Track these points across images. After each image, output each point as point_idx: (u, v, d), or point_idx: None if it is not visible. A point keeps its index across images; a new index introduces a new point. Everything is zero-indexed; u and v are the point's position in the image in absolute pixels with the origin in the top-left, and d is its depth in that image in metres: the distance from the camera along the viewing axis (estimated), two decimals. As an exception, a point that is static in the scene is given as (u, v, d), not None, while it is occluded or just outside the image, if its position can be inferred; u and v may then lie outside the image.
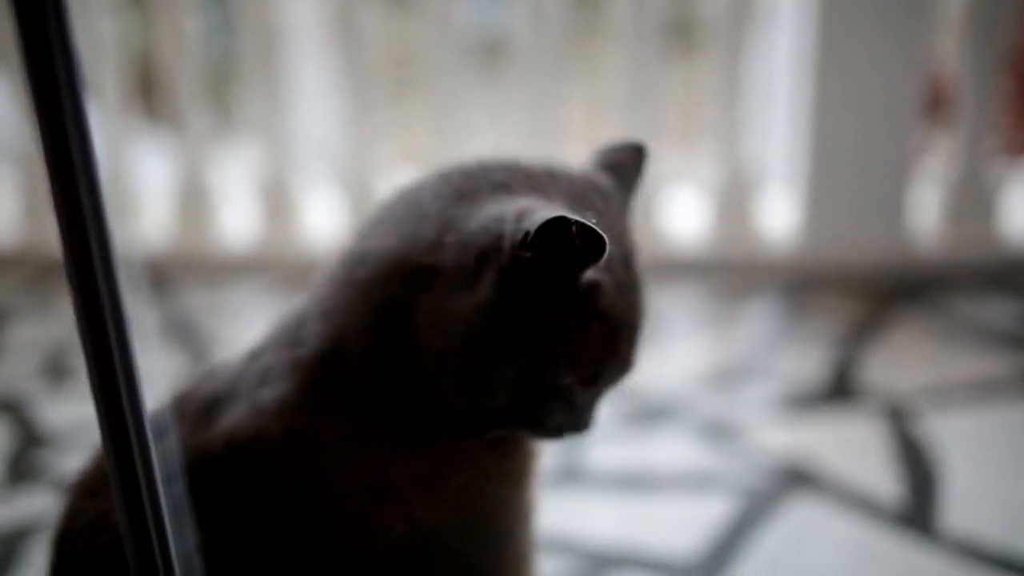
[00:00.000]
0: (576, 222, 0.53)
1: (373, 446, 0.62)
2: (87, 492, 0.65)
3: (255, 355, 0.67)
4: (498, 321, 0.57)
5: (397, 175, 2.20)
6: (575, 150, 2.15)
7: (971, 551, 1.13)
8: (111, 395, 0.44)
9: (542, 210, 0.55)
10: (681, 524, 1.18)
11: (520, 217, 0.56)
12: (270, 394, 0.63)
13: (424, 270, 0.59)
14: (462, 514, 0.65)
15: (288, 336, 0.66)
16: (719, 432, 1.40)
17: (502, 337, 0.57)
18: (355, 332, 0.62)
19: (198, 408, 0.65)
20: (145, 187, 2.26)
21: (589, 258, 0.55)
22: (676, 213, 2.10)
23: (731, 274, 2.00)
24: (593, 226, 0.53)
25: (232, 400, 0.64)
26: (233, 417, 0.63)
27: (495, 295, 0.56)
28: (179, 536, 0.47)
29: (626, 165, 0.71)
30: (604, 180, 0.68)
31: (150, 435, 0.45)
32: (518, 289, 0.56)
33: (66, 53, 0.39)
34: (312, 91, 2.68)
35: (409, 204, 0.64)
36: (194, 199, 2.18)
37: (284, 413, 0.62)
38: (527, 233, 0.54)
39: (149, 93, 2.53)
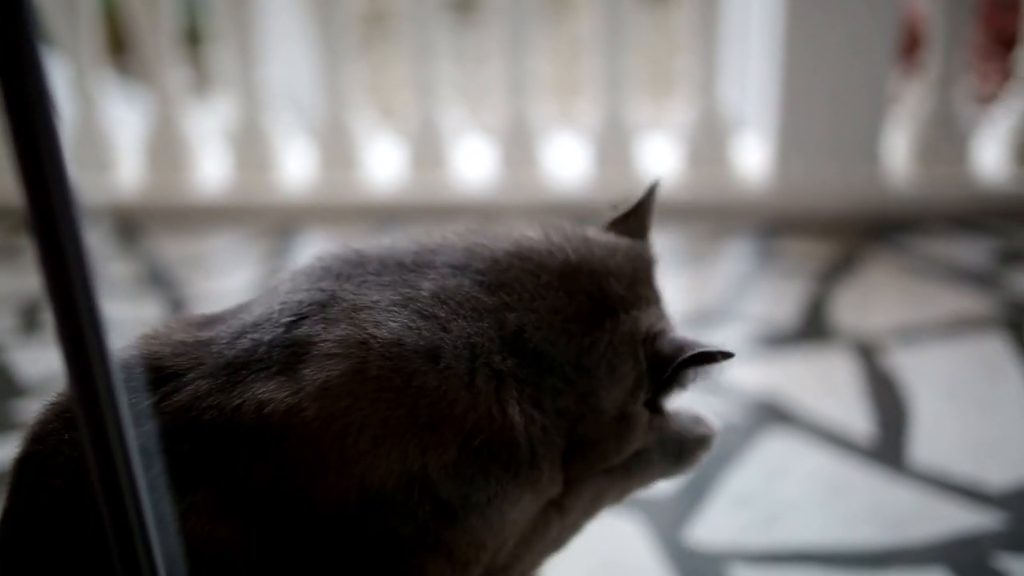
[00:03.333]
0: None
1: (423, 437, 0.62)
2: (56, 416, 0.64)
3: (292, 319, 0.65)
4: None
5: (370, 126, 2.19)
6: (547, 99, 2.15)
7: (939, 482, 1.16)
8: (76, 343, 0.44)
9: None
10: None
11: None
12: (316, 374, 0.61)
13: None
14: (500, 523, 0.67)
15: (342, 312, 0.65)
16: (693, 372, 1.42)
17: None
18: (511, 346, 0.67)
19: (218, 365, 0.63)
20: (120, 140, 2.24)
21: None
22: (650, 157, 2.10)
23: (705, 217, 2.01)
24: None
25: (263, 367, 0.62)
26: (267, 389, 0.61)
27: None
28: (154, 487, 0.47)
29: (647, 212, 0.83)
30: (639, 246, 0.78)
31: (118, 383, 0.45)
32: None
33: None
34: (285, 41, 2.64)
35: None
36: (167, 149, 2.16)
37: (326, 395, 0.61)
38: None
39: (123, 51, 2.50)
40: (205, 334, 0.66)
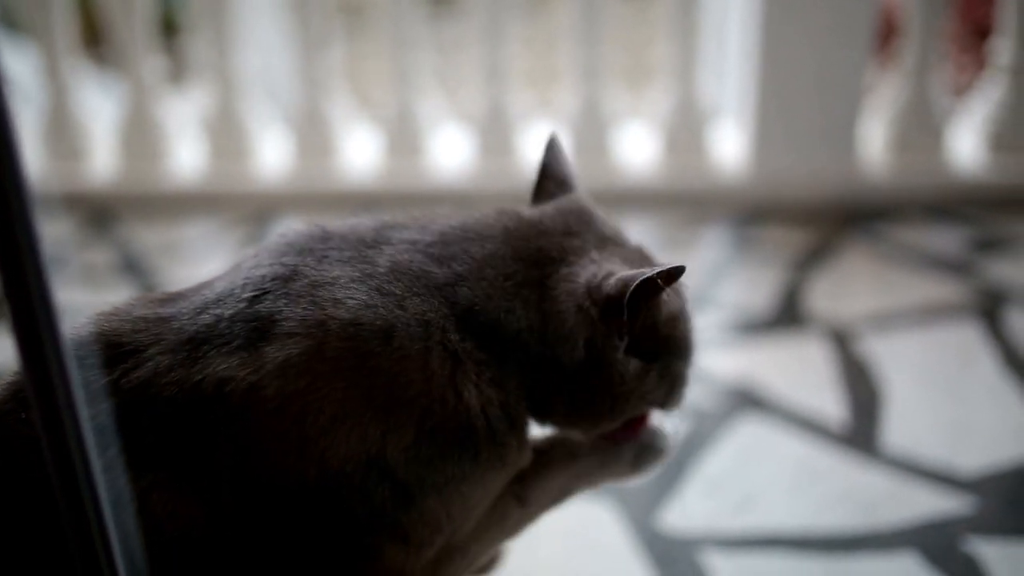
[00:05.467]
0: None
1: (382, 419, 0.62)
2: (12, 396, 0.62)
3: (254, 294, 0.65)
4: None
5: (347, 113, 2.17)
6: (524, 88, 2.14)
7: (911, 467, 1.16)
8: (28, 324, 0.43)
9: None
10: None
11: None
12: (276, 352, 0.61)
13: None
14: (453, 488, 0.67)
15: (304, 287, 0.64)
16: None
17: None
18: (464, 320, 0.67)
19: (180, 340, 0.63)
20: (94, 128, 2.21)
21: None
22: (628, 146, 2.10)
23: (682, 205, 2.01)
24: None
25: (224, 343, 0.62)
26: (228, 366, 0.61)
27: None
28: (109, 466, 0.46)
29: (559, 167, 0.82)
30: (565, 200, 0.79)
31: (71, 364, 0.44)
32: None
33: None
34: (261, 28, 2.62)
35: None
36: (141, 137, 2.14)
37: (286, 372, 0.61)
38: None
39: (100, 43, 2.48)
40: (166, 310, 0.66)
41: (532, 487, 0.76)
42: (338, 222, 0.73)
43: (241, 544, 0.62)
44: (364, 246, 0.69)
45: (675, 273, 0.69)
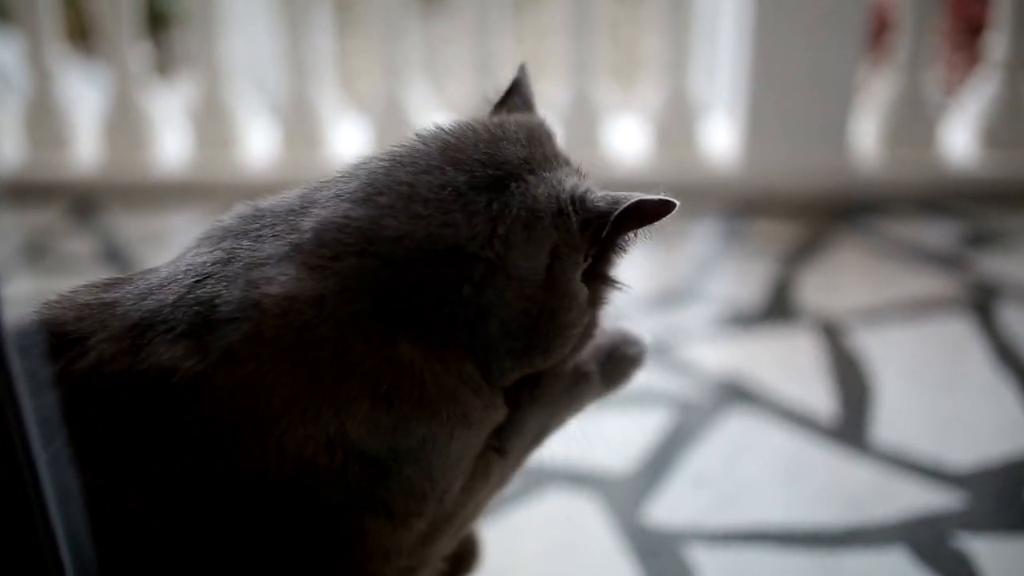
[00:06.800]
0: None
1: (333, 396, 0.60)
2: None
3: (195, 279, 0.63)
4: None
5: (335, 104, 2.15)
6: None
7: (900, 462, 1.15)
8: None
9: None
10: (618, 440, 1.18)
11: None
12: (219, 340, 0.59)
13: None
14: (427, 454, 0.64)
15: (240, 269, 0.62)
16: (658, 350, 1.40)
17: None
18: (379, 291, 0.62)
19: (124, 326, 0.61)
20: (79, 116, 2.18)
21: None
22: (619, 139, 2.08)
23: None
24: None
25: (168, 328, 0.60)
26: (173, 355, 0.59)
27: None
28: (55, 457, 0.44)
29: (528, 90, 0.79)
30: (528, 117, 0.75)
31: (12, 358, 0.42)
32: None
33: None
34: (249, 17, 2.60)
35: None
36: (126, 125, 2.11)
37: (230, 360, 0.59)
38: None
39: (88, 36, 2.45)
40: (110, 295, 0.64)
41: (508, 435, 0.72)
42: (271, 197, 0.70)
43: (206, 538, 0.60)
44: (293, 215, 0.66)
45: (667, 205, 0.66)
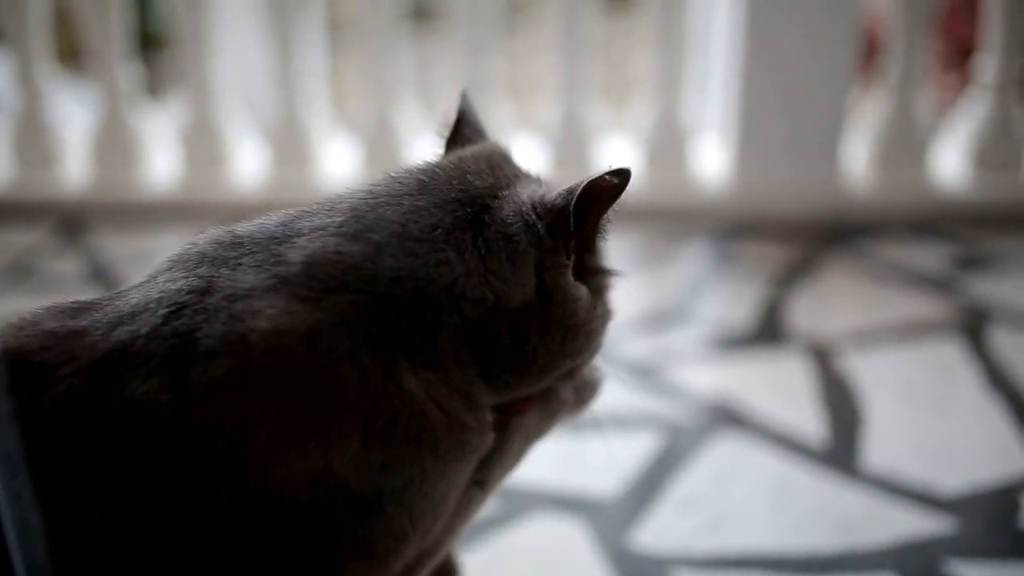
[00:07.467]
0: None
1: (323, 432, 0.58)
2: None
3: (170, 310, 0.60)
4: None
5: (325, 124, 2.14)
6: (504, 100, 2.12)
7: (890, 487, 1.13)
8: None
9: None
10: (605, 463, 1.17)
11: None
12: (199, 376, 0.57)
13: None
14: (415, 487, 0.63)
15: (221, 301, 0.60)
16: (647, 372, 1.39)
17: None
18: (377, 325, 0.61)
19: (93, 359, 0.59)
20: (68, 135, 2.17)
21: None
22: (609, 160, 2.07)
23: (663, 219, 1.98)
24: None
25: (141, 362, 0.58)
26: (148, 387, 0.57)
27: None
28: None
29: (474, 117, 0.80)
30: (483, 145, 0.76)
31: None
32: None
33: None
34: (239, 36, 2.59)
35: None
36: (116, 145, 2.10)
37: (211, 395, 0.57)
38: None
39: (79, 55, 2.45)
40: (78, 323, 0.62)
41: (490, 467, 0.71)
42: (246, 223, 0.68)
43: (190, 568, 0.58)
44: (275, 242, 0.64)
45: (622, 174, 0.66)
